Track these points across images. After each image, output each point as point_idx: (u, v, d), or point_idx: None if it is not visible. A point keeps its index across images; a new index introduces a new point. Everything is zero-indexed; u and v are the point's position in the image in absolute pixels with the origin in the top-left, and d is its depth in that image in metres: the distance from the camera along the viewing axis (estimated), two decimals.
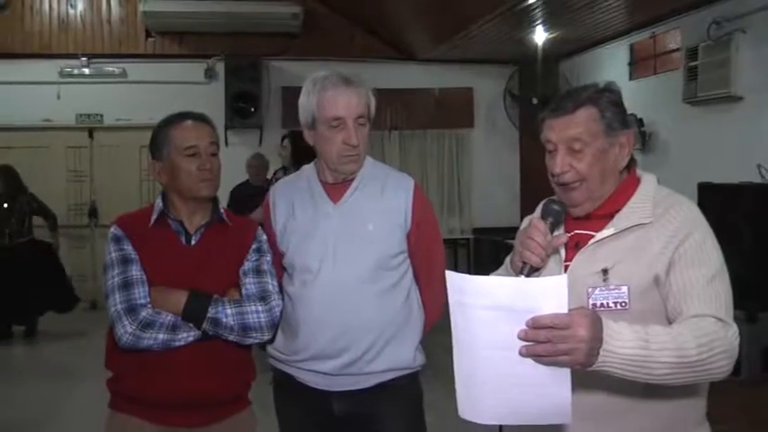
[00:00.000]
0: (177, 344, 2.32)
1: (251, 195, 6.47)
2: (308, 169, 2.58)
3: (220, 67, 9.50)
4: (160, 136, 2.46)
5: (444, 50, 9.16)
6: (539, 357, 1.54)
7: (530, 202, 8.69)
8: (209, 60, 9.59)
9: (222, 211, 2.53)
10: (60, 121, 9.63)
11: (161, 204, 2.48)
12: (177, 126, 2.45)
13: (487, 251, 9.41)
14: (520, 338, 1.54)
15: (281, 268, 2.54)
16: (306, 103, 2.43)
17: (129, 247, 2.40)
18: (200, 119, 2.49)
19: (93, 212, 9.81)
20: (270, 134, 9.49)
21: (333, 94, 2.37)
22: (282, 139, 7.28)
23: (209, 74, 9.60)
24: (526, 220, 2.09)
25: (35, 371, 7.10)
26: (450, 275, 1.59)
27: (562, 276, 1.58)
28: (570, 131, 1.86)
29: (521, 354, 1.54)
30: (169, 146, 2.43)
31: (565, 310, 1.53)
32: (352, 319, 2.38)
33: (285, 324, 2.48)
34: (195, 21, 9.29)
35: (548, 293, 1.53)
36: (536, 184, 9.44)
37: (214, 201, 2.52)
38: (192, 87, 9.39)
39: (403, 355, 2.45)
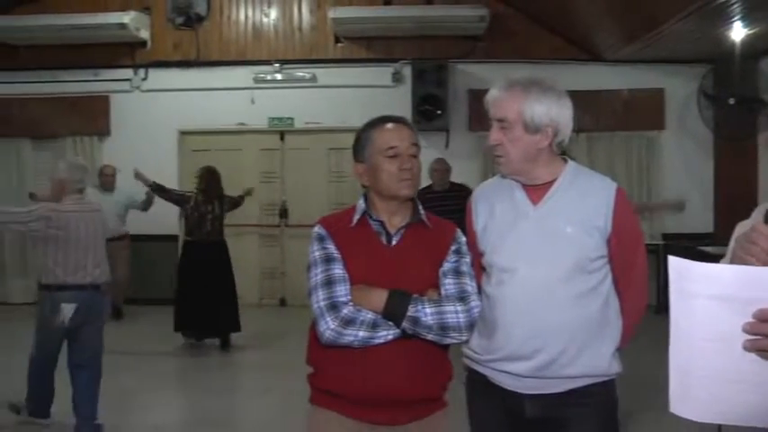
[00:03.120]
0: (377, 341, 2.44)
1: (432, 200, 6.69)
2: None
3: (407, 71, 10.03)
4: (362, 138, 2.63)
5: (633, 50, 9.16)
6: (764, 353, 1.47)
7: (725, 207, 8.71)
8: (396, 64, 10.17)
9: (422, 212, 2.63)
10: (254, 125, 10.51)
11: (363, 205, 2.61)
12: (378, 128, 2.61)
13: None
14: (744, 331, 1.48)
15: (480, 269, 2.62)
16: None
17: (331, 246, 2.55)
18: (401, 121, 2.65)
19: (283, 213, 10.61)
20: (456, 137, 10.00)
21: (490, 96, 2.56)
22: None
23: (396, 77, 10.18)
24: (741, 227, 2.03)
25: (230, 364, 7.73)
26: (673, 260, 1.55)
27: None
28: None
29: (744, 348, 1.48)
30: (371, 147, 2.59)
31: None
32: (545, 320, 2.42)
33: (481, 323, 2.54)
34: (382, 26, 9.95)
35: None
36: (732, 190, 9.37)
37: (414, 202, 2.63)
38: (380, 91, 10.01)
39: (599, 361, 2.47)
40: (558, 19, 9.83)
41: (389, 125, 2.62)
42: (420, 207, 2.65)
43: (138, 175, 8.66)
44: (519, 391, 2.49)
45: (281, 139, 10.72)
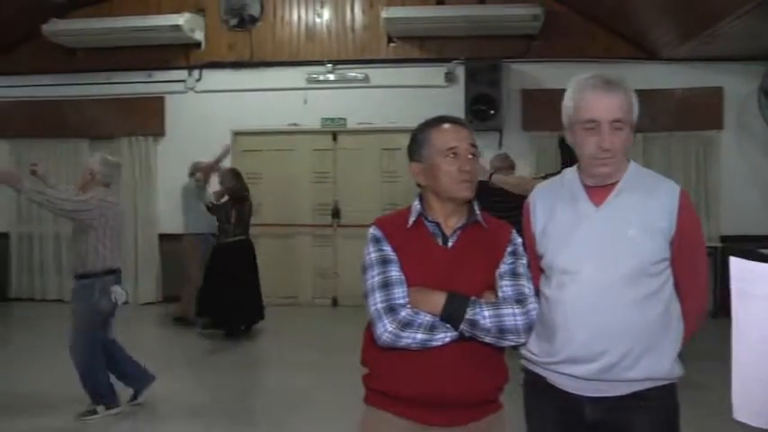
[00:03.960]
0: (434, 344, 2.45)
1: (493, 194, 6.99)
2: (571, 172, 2.65)
3: (460, 71, 10.09)
4: (419, 138, 2.64)
5: (690, 48, 9.10)
6: None
7: None
8: (449, 64, 10.23)
9: (478, 212, 2.64)
10: (307, 125, 10.70)
11: (419, 206, 2.63)
12: (436, 128, 2.62)
13: None
14: None
15: (537, 270, 2.62)
16: (566, 104, 2.55)
17: (388, 248, 2.56)
18: (458, 122, 2.66)
19: (335, 213, 10.76)
20: (509, 137, 10.04)
21: (589, 97, 2.47)
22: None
23: (449, 77, 10.24)
24: None
25: (278, 363, 7.81)
26: (735, 261, 1.61)
27: None
28: None
29: None
30: (429, 147, 2.59)
31: None
32: (608, 323, 2.42)
33: (540, 326, 2.54)
34: (435, 25, 10.04)
35: None
36: None
37: (470, 203, 2.63)
38: (432, 91, 10.11)
39: (661, 364, 2.47)
40: (614, 17, 9.80)
41: (447, 125, 2.63)
42: (476, 207, 2.66)
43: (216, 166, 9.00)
44: (580, 393, 2.49)
45: (334, 139, 10.88)
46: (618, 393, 2.47)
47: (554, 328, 2.50)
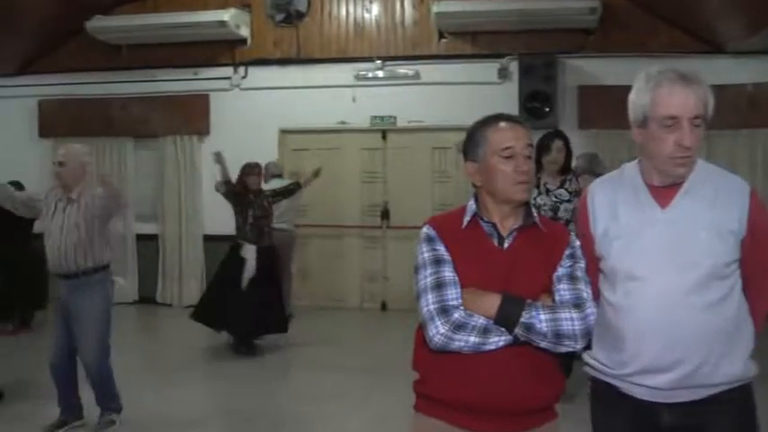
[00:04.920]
0: (487, 347, 2.44)
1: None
2: (631, 168, 2.61)
3: (514, 67, 9.97)
4: (476, 137, 2.62)
5: (759, 41, 8.90)
6: None
7: None
8: (503, 60, 10.10)
9: (535, 214, 2.63)
10: (355, 124, 10.66)
11: (474, 206, 2.62)
12: (493, 127, 2.59)
13: None
14: None
15: (596, 273, 2.58)
16: (637, 99, 2.48)
17: (441, 248, 2.56)
18: (515, 120, 2.63)
19: (385, 214, 10.69)
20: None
21: (668, 92, 2.40)
22: (550, 142, 5.98)
23: (503, 74, 10.11)
24: None
25: (326, 368, 7.74)
26: None
27: None
28: None
29: None
30: (485, 147, 2.58)
31: None
32: (682, 330, 2.38)
33: (607, 334, 2.52)
34: (488, 20, 9.87)
35: None
36: None
37: (527, 204, 2.62)
38: (485, 88, 9.98)
39: (736, 366, 2.45)
40: (676, 9, 9.60)
41: (504, 124, 2.60)
42: (533, 209, 2.65)
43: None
44: (656, 400, 2.46)
45: (383, 137, 10.82)
46: (695, 398, 2.44)
47: (624, 338, 2.46)
